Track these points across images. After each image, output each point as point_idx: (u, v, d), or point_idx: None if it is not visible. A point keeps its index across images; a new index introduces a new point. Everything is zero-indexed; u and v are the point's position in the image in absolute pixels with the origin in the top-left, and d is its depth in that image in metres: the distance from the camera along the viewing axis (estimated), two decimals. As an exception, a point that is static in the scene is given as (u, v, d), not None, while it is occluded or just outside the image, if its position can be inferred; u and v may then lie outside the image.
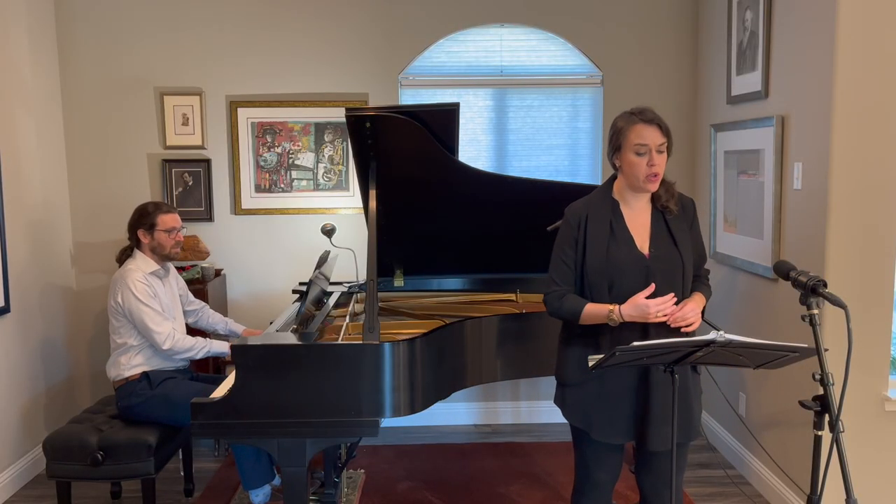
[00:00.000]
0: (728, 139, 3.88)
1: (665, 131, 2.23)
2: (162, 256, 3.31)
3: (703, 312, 2.31)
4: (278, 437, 2.48)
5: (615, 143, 2.27)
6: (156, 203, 3.34)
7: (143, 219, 3.27)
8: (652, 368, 2.20)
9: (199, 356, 3.26)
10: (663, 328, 2.20)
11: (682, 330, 2.18)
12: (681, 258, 2.27)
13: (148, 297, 3.16)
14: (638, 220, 2.30)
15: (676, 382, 2.05)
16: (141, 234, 3.26)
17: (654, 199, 2.31)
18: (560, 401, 2.39)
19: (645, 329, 2.20)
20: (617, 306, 2.17)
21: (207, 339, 3.32)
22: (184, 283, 3.56)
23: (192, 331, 3.64)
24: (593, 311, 2.21)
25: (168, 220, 3.28)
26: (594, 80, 4.42)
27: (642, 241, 2.28)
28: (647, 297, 2.15)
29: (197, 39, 4.27)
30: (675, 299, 2.15)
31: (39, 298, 3.93)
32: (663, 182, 2.29)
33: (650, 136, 2.21)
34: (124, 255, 3.34)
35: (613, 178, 2.36)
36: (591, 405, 2.29)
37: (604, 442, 2.30)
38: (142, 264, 3.24)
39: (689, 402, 2.29)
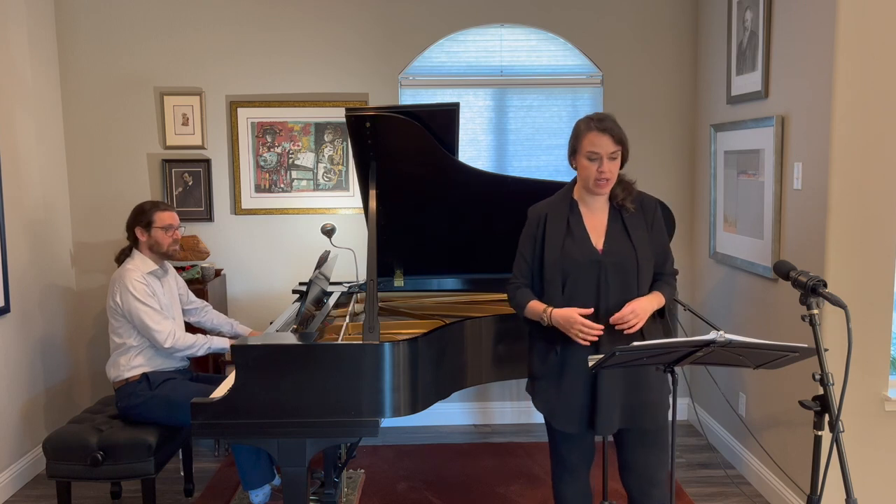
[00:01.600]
0: (728, 139, 3.88)
1: (617, 140, 2.32)
2: (160, 255, 3.30)
3: (664, 312, 2.42)
4: (278, 437, 2.48)
5: (573, 147, 2.39)
6: (153, 201, 3.34)
7: (140, 216, 3.26)
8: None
9: (200, 353, 3.26)
10: (616, 333, 2.29)
11: (625, 332, 2.27)
12: (635, 255, 2.35)
13: (147, 296, 3.16)
14: (595, 218, 2.42)
15: (677, 382, 2.06)
16: (138, 231, 3.26)
17: (612, 197, 2.42)
18: (530, 390, 2.53)
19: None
20: (551, 309, 2.31)
21: (207, 335, 3.33)
22: (183, 282, 3.55)
23: (195, 331, 3.64)
24: (533, 307, 2.38)
25: (165, 217, 3.28)
26: (594, 80, 4.42)
27: (597, 239, 2.39)
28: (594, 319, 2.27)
29: (197, 39, 4.28)
30: (602, 331, 2.24)
31: (39, 298, 3.93)
32: (621, 182, 2.41)
33: (602, 144, 2.30)
34: (123, 255, 3.34)
35: (576, 180, 2.47)
36: (552, 396, 2.41)
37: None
38: (140, 264, 3.24)
39: (639, 388, 2.35)
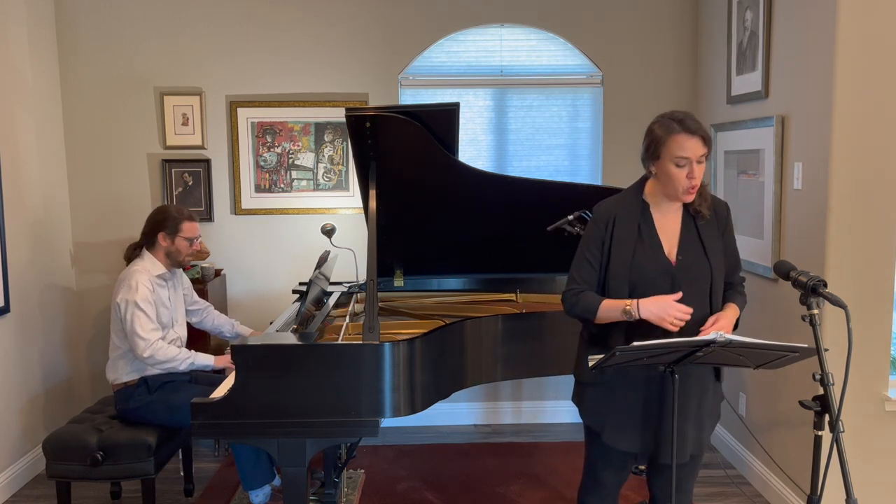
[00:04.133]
0: (728, 139, 3.88)
1: (707, 142, 2.11)
2: (175, 262, 3.27)
3: (737, 323, 2.25)
4: (278, 438, 2.48)
5: (653, 152, 2.15)
6: (179, 208, 3.27)
7: (167, 222, 3.20)
8: (667, 379, 2.12)
9: (181, 368, 3.14)
10: (683, 335, 2.10)
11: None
12: (710, 267, 2.19)
13: (146, 301, 3.10)
14: (668, 224, 2.23)
15: (676, 383, 2.05)
16: (162, 237, 3.20)
17: (687, 202, 2.22)
18: (577, 398, 2.36)
19: (664, 335, 2.10)
20: (635, 300, 2.11)
21: (192, 351, 3.22)
22: (189, 282, 3.50)
23: (196, 331, 3.62)
24: (609, 306, 2.15)
25: (192, 228, 3.24)
26: (594, 80, 4.42)
27: (670, 247, 2.21)
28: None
29: (197, 39, 4.28)
30: (691, 313, 2.08)
31: (39, 298, 3.93)
32: None
33: (692, 148, 2.08)
34: (133, 254, 3.28)
35: (645, 178, 2.26)
36: (605, 408, 2.25)
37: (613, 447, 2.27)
38: (149, 265, 3.20)
39: (702, 414, 2.23)
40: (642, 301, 2.10)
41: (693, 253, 2.20)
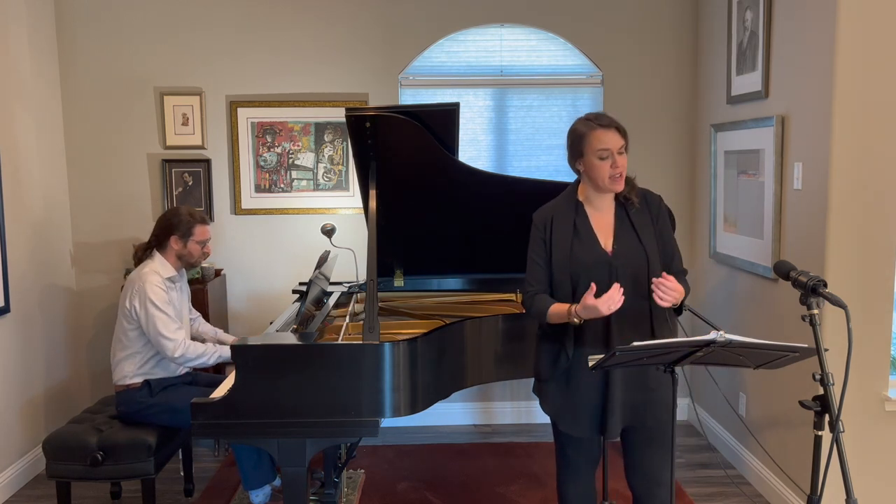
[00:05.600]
0: (728, 139, 3.88)
1: (623, 133, 2.30)
2: (186, 264, 3.27)
3: (682, 305, 2.35)
4: (278, 437, 2.48)
5: (577, 150, 2.33)
6: (191, 211, 3.25)
7: (180, 226, 3.18)
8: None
9: (210, 362, 3.15)
10: (626, 324, 2.27)
11: (657, 298, 2.15)
12: (645, 252, 2.32)
13: (165, 303, 3.09)
14: (602, 219, 2.38)
15: (677, 382, 2.06)
16: (174, 240, 3.19)
17: (616, 193, 2.37)
18: (537, 391, 2.51)
19: (607, 326, 2.28)
20: (574, 307, 2.23)
21: (216, 344, 3.27)
22: (189, 290, 3.51)
23: None
24: (556, 310, 2.30)
25: (204, 231, 3.24)
26: (594, 80, 4.42)
27: (606, 239, 2.35)
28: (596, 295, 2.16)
29: (197, 39, 4.28)
30: (622, 290, 2.16)
31: (39, 298, 3.93)
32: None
33: (610, 140, 2.27)
34: (143, 255, 3.26)
35: (578, 182, 2.43)
36: (559, 399, 2.40)
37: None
38: (160, 268, 3.18)
39: (644, 386, 2.32)
40: (576, 308, 2.20)
41: (628, 242, 2.34)
